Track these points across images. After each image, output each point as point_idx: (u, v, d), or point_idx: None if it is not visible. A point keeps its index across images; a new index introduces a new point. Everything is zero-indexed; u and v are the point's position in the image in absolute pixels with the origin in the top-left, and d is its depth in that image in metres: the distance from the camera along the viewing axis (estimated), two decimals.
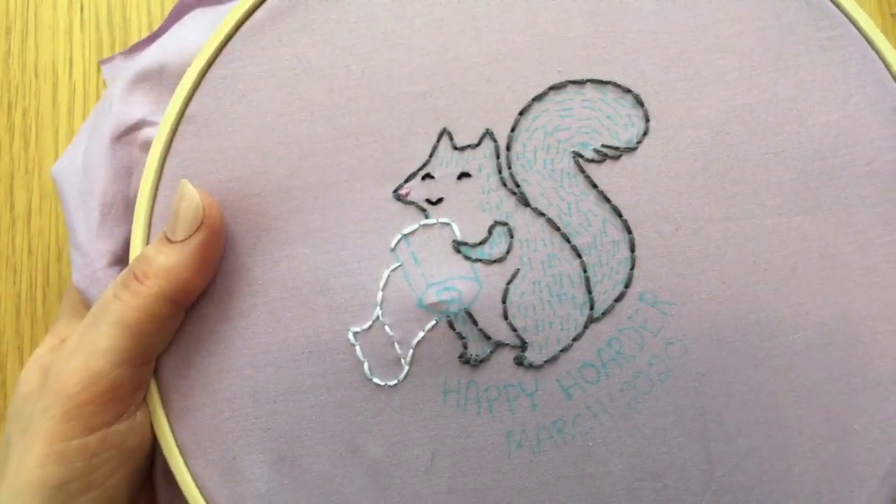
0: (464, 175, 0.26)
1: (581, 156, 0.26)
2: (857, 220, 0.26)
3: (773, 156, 0.26)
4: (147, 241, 0.27)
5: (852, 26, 0.26)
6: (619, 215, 0.26)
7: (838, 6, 0.27)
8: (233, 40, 0.27)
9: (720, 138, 0.26)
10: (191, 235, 0.25)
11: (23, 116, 0.36)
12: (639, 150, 0.26)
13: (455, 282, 0.26)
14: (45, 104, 0.36)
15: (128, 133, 0.29)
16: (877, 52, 0.26)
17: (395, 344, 0.26)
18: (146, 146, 0.29)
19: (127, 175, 0.29)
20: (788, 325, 0.26)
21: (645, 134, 0.26)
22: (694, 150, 0.26)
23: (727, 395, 0.26)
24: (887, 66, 0.26)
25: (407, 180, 0.27)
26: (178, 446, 0.27)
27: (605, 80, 0.26)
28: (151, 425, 0.27)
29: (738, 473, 0.26)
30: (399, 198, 0.27)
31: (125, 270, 0.26)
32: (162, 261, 0.25)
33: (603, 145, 0.26)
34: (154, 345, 0.26)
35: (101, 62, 0.35)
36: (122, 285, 0.25)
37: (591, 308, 0.26)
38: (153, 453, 0.27)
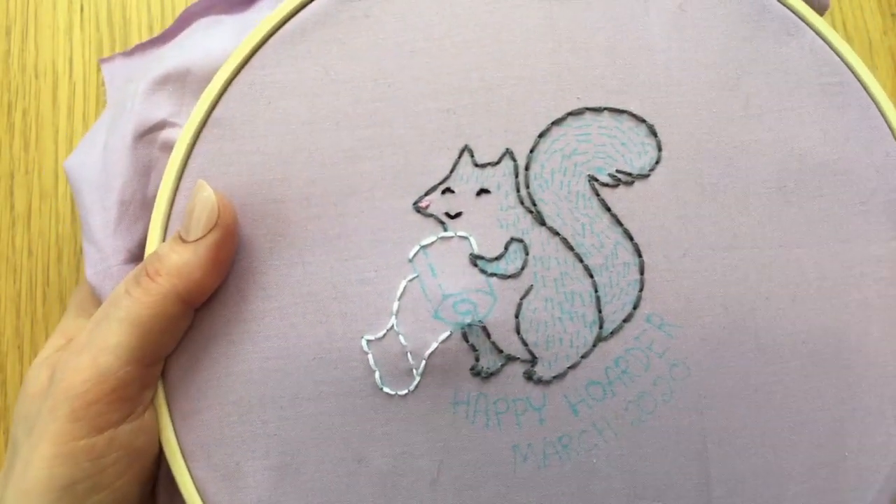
0: (483, 191, 0.27)
1: (596, 179, 0.27)
2: (851, 256, 0.27)
3: (776, 190, 0.27)
4: (164, 240, 0.27)
5: (853, 75, 0.28)
6: (631, 238, 0.27)
7: (841, 57, 0.28)
8: (262, 49, 0.28)
9: (727, 171, 0.27)
10: (205, 235, 0.25)
11: (23, 116, 0.36)
12: (651, 177, 0.27)
13: (471, 294, 0.26)
14: (45, 104, 0.36)
15: (149, 133, 0.29)
16: (874, 100, 0.28)
17: (408, 354, 0.26)
18: (166, 146, 0.29)
19: (146, 174, 0.29)
20: (786, 352, 0.27)
21: (657, 162, 0.27)
22: (702, 181, 0.27)
23: (727, 417, 0.27)
24: (883, 113, 0.28)
25: (427, 193, 0.27)
26: (182, 449, 0.26)
27: (621, 108, 0.27)
28: None
29: (735, 495, 0.26)
30: (419, 210, 0.27)
31: (138, 267, 0.26)
32: (175, 259, 0.25)
33: (617, 170, 0.27)
34: (163, 344, 0.26)
35: (102, 61, 0.35)
36: (133, 282, 0.25)
37: (601, 327, 0.27)
38: (161, 455, 0.27)
